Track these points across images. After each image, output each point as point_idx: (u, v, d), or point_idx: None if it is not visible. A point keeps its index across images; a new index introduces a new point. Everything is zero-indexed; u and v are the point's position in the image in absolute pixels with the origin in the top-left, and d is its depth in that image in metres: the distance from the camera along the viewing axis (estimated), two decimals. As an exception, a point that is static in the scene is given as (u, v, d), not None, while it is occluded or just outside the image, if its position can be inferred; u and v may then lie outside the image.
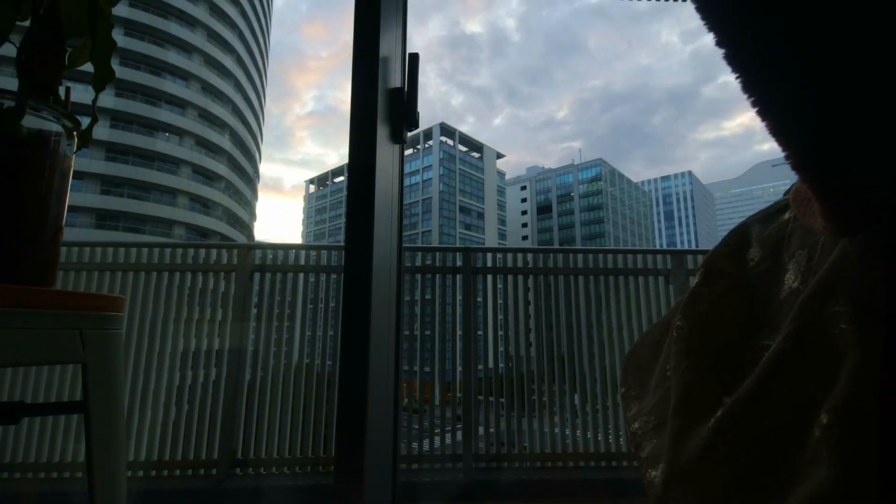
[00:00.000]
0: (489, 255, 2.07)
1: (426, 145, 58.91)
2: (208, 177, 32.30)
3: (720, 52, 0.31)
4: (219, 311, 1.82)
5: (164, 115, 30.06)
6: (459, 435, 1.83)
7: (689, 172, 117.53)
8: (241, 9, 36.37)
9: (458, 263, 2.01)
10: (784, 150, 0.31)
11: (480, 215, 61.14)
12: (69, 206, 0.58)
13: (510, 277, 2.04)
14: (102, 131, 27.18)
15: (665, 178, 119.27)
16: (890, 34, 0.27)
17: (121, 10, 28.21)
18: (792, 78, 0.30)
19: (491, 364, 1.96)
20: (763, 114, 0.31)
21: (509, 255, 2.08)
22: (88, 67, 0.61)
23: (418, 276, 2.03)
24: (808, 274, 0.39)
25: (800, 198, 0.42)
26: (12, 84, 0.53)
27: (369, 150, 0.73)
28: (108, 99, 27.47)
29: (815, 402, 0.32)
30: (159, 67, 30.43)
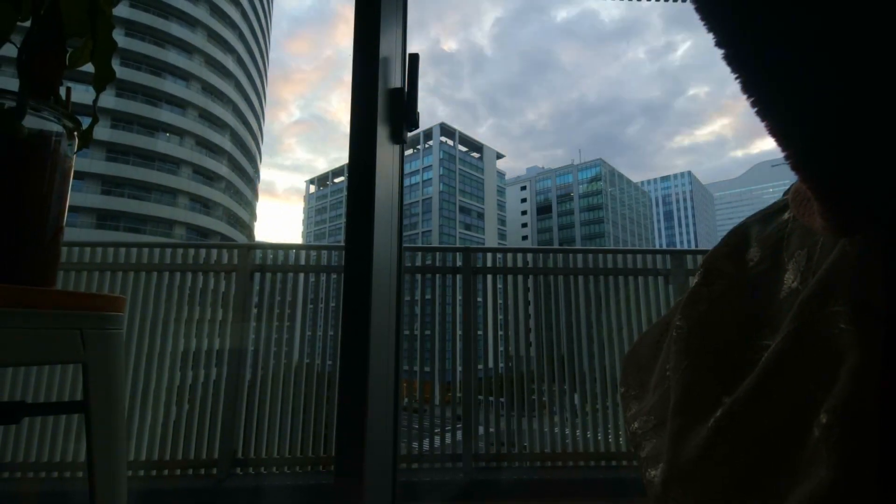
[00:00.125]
0: (489, 255, 2.07)
1: (426, 145, 58.91)
2: (209, 177, 32.32)
3: (720, 52, 0.31)
4: (219, 311, 1.82)
5: (165, 115, 30.08)
6: (459, 434, 1.83)
7: (689, 173, 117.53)
8: (242, 9, 36.39)
9: (458, 263, 2.01)
10: (783, 151, 0.31)
11: (480, 215, 61.14)
12: (70, 206, 0.58)
13: (510, 277, 2.04)
14: (103, 131, 27.20)
15: (665, 179, 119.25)
16: (890, 34, 0.27)
17: (121, 10, 28.23)
18: (791, 78, 0.30)
19: (491, 364, 1.96)
20: (762, 114, 0.31)
21: (509, 255, 2.08)
22: (89, 68, 0.61)
23: (418, 276, 2.03)
24: (807, 274, 0.39)
25: (799, 198, 0.42)
26: (13, 84, 0.53)
27: (369, 151, 0.74)
28: (108, 99, 27.49)
29: (815, 402, 0.32)
30: (160, 68, 30.45)
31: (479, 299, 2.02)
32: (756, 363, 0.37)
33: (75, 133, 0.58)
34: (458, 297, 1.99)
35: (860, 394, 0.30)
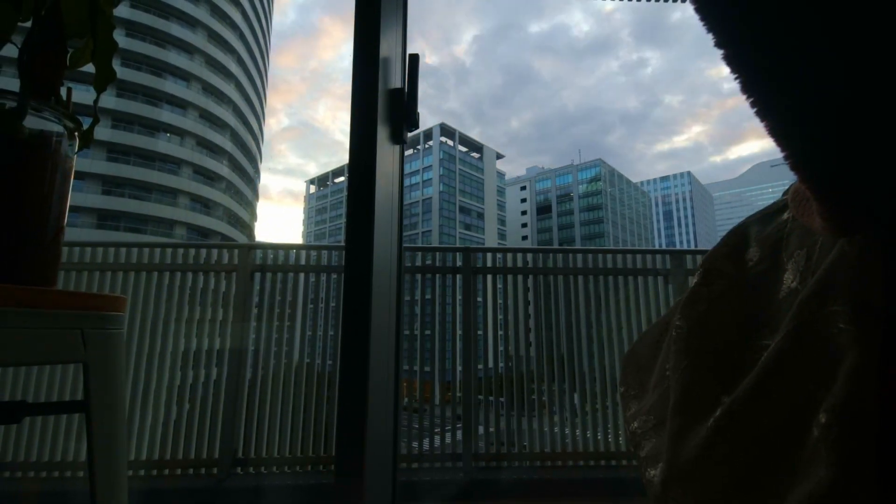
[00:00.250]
0: (489, 255, 2.07)
1: (426, 146, 58.91)
2: (209, 177, 32.33)
3: (719, 52, 0.31)
4: (220, 311, 1.82)
5: (166, 115, 30.10)
6: (459, 434, 1.83)
7: (689, 173, 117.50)
8: (242, 10, 36.40)
9: (458, 263, 2.01)
10: (783, 151, 0.31)
11: (480, 215, 61.13)
12: (70, 207, 0.58)
13: (510, 277, 2.04)
14: (104, 132, 27.22)
15: (664, 179, 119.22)
16: (890, 34, 0.27)
17: (122, 10, 28.23)
18: (791, 78, 0.30)
19: (491, 364, 1.96)
20: (762, 114, 0.31)
21: (509, 255, 2.08)
22: (90, 68, 0.61)
23: (418, 276, 2.03)
24: (806, 274, 0.39)
25: (798, 198, 0.42)
26: (14, 85, 0.53)
27: (369, 151, 0.74)
28: (109, 99, 27.50)
29: (814, 402, 0.32)
30: (160, 68, 30.46)
31: (479, 299, 2.02)
32: (755, 363, 0.37)
33: (76, 133, 0.58)
34: (458, 297, 1.99)
35: (859, 393, 0.30)
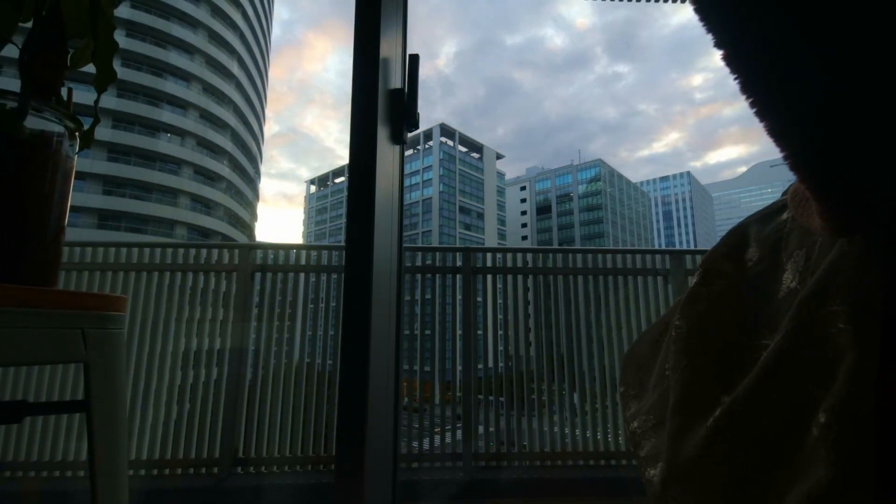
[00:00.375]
0: (489, 255, 2.07)
1: (426, 146, 58.90)
2: (210, 177, 32.33)
3: (719, 52, 0.31)
4: (220, 311, 1.82)
5: (166, 115, 30.10)
6: (459, 434, 1.83)
7: (688, 173, 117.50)
8: (243, 10, 36.41)
9: (458, 263, 2.01)
10: (782, 151, 0.31)
11: (480, 215, 61.11)
12: (71, 207, 0.58)
13: (510, 277, 2.04)
14: (104, 132, 27.23)
15: (664, 179, 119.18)
16: (888, 34, 0.27)
17: (122, 11, 28.27)
18: (790, 78, 0.30)
19: (491, 363, 1.97)
20: (761, 114, 0.31)
21: (509, 255, 2.08)
22: (90, 68, 0.61)
23: (418, 276, 2.03)
24: (806, 274, 0.39)
25: (798, 198, 0.42)
26: (15, 85, 0.53)
27: (370, 151, 0.74)
28: (109, 100, 27.52)
29: (814, 402, 0.32)
30: (161, 68, 30.46)
31: (479, 299, 2.02)
32: (755, 363, 0.37)
33: (77, 133, 0.58)
34: (458, 297, 1.99)
35: (859, 393, 0.30)
